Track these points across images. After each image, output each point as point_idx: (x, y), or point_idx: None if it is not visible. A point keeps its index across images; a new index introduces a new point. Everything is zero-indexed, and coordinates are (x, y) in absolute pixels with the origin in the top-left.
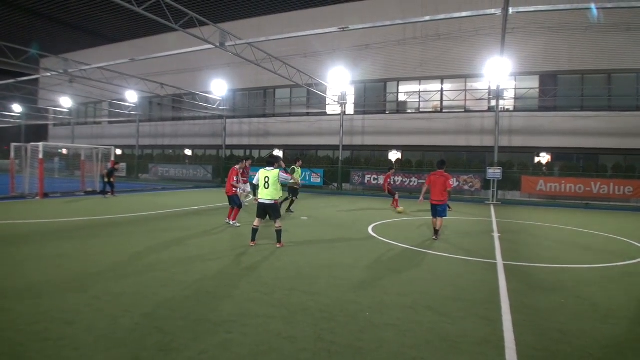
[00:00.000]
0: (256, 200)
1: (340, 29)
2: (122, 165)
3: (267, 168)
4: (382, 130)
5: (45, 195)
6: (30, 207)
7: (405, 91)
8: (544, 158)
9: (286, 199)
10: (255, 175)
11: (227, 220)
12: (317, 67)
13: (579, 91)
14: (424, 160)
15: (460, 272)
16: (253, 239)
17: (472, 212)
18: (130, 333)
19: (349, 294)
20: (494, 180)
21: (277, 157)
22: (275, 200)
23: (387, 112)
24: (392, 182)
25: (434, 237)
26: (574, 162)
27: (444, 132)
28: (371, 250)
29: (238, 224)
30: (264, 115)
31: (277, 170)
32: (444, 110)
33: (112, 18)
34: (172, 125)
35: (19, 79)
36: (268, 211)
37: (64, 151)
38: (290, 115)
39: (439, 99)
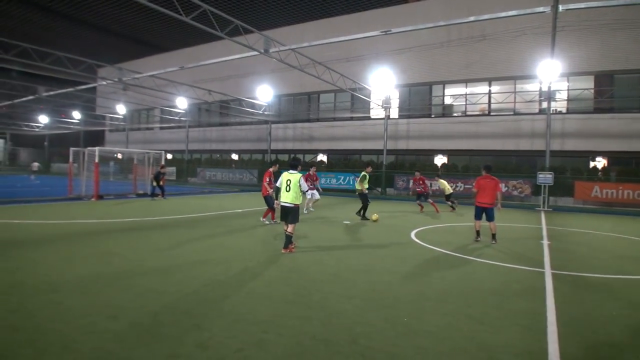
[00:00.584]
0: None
1: (382, 32)
2: (172, 169)
3: (291, 171)
4: (427, 134)
5: (100, 197)
6: (86, 208)
7: (452, 94)
8: (600, 163)
9: (362, 207)
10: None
11: (262, 220)
12: (360, 71)
13: (637, 91)
14: (470, 165)
15: (505, 280)
16: (290, 244)
17: (521, 218)
18: (170, 329)
19: (388, 299)
20: (544, 186)
21: (299, 160)
22: (296, 204)
23: (433, 116)
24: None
25: (493, 242)
26: (632, 166)
27: (492, 136)
28: (412, 256)
29: (267, 222)
30: (308, 120)
31: (299, 175)
32: (491, 113)
33: (162, 28)
34: (219, 130)
35: (78, 88)
36: (288, 214)
37: (119, 155)
38: (334, 119)
39: (487, 101)
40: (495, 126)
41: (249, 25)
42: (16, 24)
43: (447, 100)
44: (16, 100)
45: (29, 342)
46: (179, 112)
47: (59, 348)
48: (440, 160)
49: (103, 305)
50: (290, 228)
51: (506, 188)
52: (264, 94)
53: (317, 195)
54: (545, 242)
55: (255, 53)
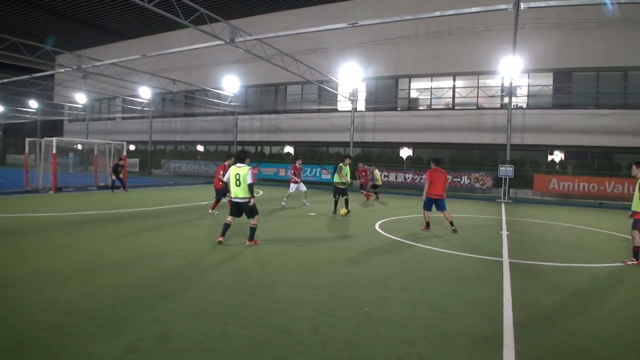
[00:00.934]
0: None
1: (349, 24)
2: (134, 160)
3: (238, 165)
4: (393, 127)
5: (59, 190)
6: (43, 200)
7: (417, 88)
8: (557, 156)
9: (335, 200)
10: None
11: (211, 212)
12: (328, 63)
13: (593, 88)
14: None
15: (465, 269)
16: (223, 234)
17: (483, 210)
18: (129, 323)
19: (351, 289)
20: (505, 178)
21: (248, 153)
22: (248, 198)
23: (399, 109)
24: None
25: (454, 228)
26: (587, 160)
27: (456, 129)
28: (376, 247)
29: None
30: (275, 112)
31: (247, 167)
32: (455, 107)
33: (124, 15)
34: (184, 121)
35: (34, 75)
36: (242, 210)
37: (79, 146)
38: (302, 111)
39: (451, 95)
40: (458, 120)
41: (215, 13)
42: None
43: (413, 94)
44: None
45: None
46: (142, 102)
47: (13, 344)
48: (405, 152)
49: (59, 301)
50: (254, 220)
51: (469, 180)
52: (230, 84)
53: (303, 188)
54: (505, 232)
55: (221, 42)
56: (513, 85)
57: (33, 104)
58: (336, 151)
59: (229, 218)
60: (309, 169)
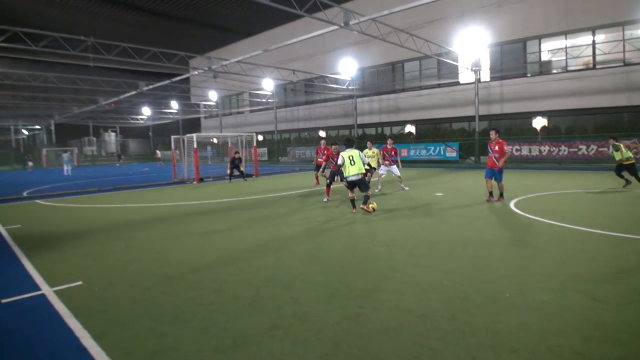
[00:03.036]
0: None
1: None
2: (263, 150)
3: (348, 149)
4: (524, 96)
5: (201, 180)
6: (189, 190)
7: (549, 49)
8: None
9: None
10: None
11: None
12: (446, 34)
13: None
14: (575, 126)
15: (621, 253)
16: (354, 206)
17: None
18: (270, 302)
19: (488, 273)
20: None
21: (353, 139)
22: (362, 173)
23: (529, 75)
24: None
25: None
26: None
27: (599, 92)
28: (513, 227)
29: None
30: (394, 91)
31: (357, 150)
32: (597, 67)
33: (243, 13)
34: (305, 109)
35: (173, 80)
36: (357, 184)
37: (214, 140)
38: (421, 88)
39: (591, 53)
40: (602, 80)
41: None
42: (113, 25)
43: (545, 56)
44: (121, 96)
45: (146, 313)
46: (266, 95)
47: (171, 318)
48: (539, 122)
49: (209, 280)
50: (368, 191)
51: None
52: (347, 68)
53: (396, 172)
54: None
55: (336, 27)
56: None
57: (174, 105)
58: (460, 127)
59: (350, 193)
60: (432, 147)
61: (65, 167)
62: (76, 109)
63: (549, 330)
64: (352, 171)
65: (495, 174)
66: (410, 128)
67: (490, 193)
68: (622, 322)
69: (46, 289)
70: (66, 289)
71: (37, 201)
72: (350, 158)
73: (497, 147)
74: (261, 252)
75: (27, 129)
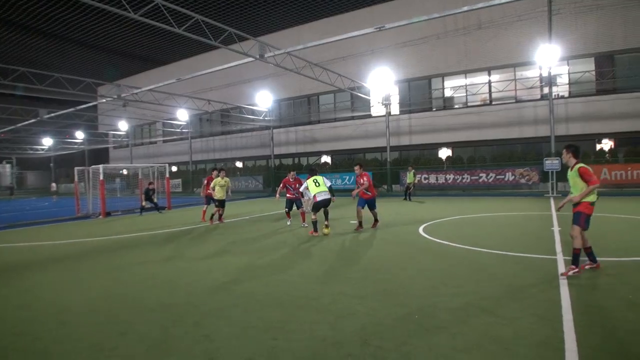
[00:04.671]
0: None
1: (376, 28)
2: (177, 181)
3: (312, 176)
4: (430, 128)
5: (108, 214)
6: (92, 226)
7: (451, 86)
8: (607, 145)
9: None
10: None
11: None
12: (358, 69)
13: (639, 70)
14: (476, 156)
15: (517, 270)
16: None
17: (530, 206)
18: (179, 342)
19: (399, 297)
20: (552, 172)
21: (315, 167)
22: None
23: (434, 109)
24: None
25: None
26: None
27: (495, 125)
28: (421, 250)
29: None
30: (310, 123)
31: (320, 176)
32: (493, 103)
33: (157, 42)
34: (221, 139)
35: (79, 107)
36: (325, 205)
37: (124, 171)
38: (336, 120)
39: (487, 91)
40: (497, 115)
41: (243, 32)
42: (11, 48)
43: (448, 93)
44: (19, 125)
45: None
46: (181, 124)
47: None
48: (444, 153)
49: (112, 322)
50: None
51: (513, 177)
52: (264, 99)
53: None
54: (556, 228)
55: (251, 59)
56: (552, 74)
57: (79, 134)
58: (373, 157)
59: (314, 215)
60: (347, 176)
61: None
62: None
63: (455, 347)
64: (320, 190)
65: (368, 203)
66: (326, 158)
67: (360, 223)
68: (519, 334)
69: None
70: None
71: None
72: (315, 181)
73: (364, 179)
74: (171, 287)
75: None
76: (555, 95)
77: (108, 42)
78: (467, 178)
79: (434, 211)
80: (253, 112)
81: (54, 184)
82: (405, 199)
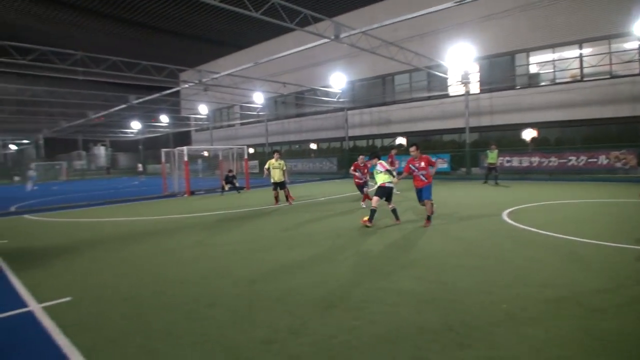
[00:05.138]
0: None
1: (456, 2)
2: (254, 162)
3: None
4: (513, 108)
5: (192, 193)
6: (179, 203)
7: (537, 62)
8: None
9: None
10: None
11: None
12: (435, 47)
13: None
14: (564, 138)
15: (616, 262)
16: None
17: (627, 193)
18: (264, 315)
19: (483, 285)
20: None
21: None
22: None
23: (518, 87)
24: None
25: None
26: None
27: (587, 104)
28: (506, 237)
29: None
30: (384, 104)
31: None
32: (584, 79)
33: (235, 27)
34: (296, 121)
35: (163, 93)
36: (388, 194)
37: (205, 153)
38: (411, 100)
39: (578, 66)
40: (589, 92)
41: (318, 13)
42: (103, 39)
43: (533, 69)
44: (111, 110)
45: (137, 329)
46: (257, 107)
47: (164, 334)
48: (529, 134)
49: (202, 294)
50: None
51: (607, 160)
52: (338, 81)
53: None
54: None
55: (326, 40)
56: None
57: (164, 118)
58: (450, 138)
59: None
60: None
61: (29, 184)
62: (65, 123)
63: (549, 341)
64: (387, 179)
65: (422, 192)
66: (401, 140)
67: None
68: (619, 331)
69: (34, 306)
70: (55, 305)
71: (26, 216)
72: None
73: (423, 164)
74: (253, 263)
75: (15, 144)
76: None
77: (188, 29)
78: (555, 161)
79: (518, 196)
80: (327, 94)
81: (140, 165)
82: (486, 182)
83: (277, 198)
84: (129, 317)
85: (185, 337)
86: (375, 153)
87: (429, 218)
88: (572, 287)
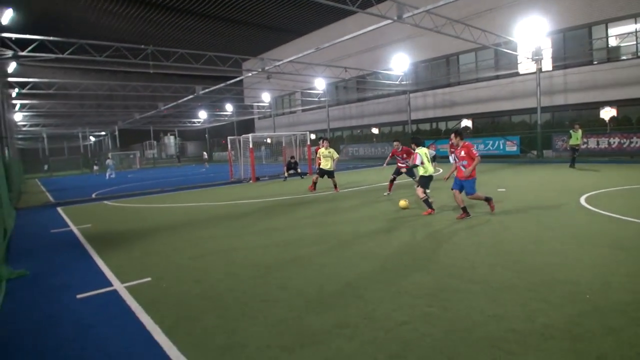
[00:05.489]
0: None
1: None
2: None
3: (421, 147)
4: (590, 85)
5: (257, 179)
6: (245, 189)
7: (618, 34)
8: None
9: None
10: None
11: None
12: (503, 23)
13: None
14: None
15: None
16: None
17: None
18: (336, 299)
19: (563, 272)
20: None
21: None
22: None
23: (595, 63)
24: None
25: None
26: None
27: None
28: (586, 224)
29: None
30: (449, 85)
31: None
32: None
33: (294, 13)
34: (357, 106)
35: (228, 82)
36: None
37: (268, 140)
38: (478, 80)
39: None
40: None
41: None
42: (169, 31)
43: (612, 42)
44: (179, 101)
45: (213, 309)
46: (318, 93)
47: (239, 314)
48: (608, 113)
49: (272, 276)
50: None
51: None
52: (400, 63)
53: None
54: None
55: (388, 21)
56: None
57: (229, 107)
58: (521, 120)
59: (423, 194)
60: (490, 142)
61: (108, 172)
62: (137, 115)
63: (639, 334)
64: (431, 168)
65: (463, 185)
66: (466, 122)
67: (463, 209)
68: None
69: (117, 285)
70: (136, 285)
71: (105, 202)
72: (427, 155)
73: (463, 153)
74: (322, 249)
75: (93, 135)
76: None
77: (251, 17)
78: (637, 142)
79: (596, 180)
80: (389, 77)
81: (205, 153)
82: (572, 165)
83: (315, 184)
84: (205, 297)
85: (259, 317)
86: (418, 139)
87: (465, 210)
88: None
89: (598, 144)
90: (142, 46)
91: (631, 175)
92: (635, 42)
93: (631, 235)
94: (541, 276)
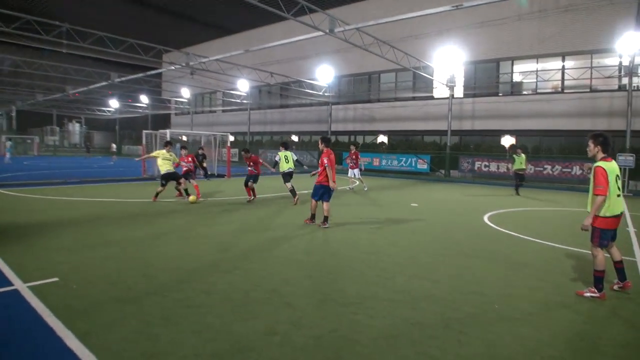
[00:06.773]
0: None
1: (453, 7)
2: (234, 150)
3: (284, 150)
4: (494, 114)
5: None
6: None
7: (521, 71)
8: None
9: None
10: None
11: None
12: (424, 48)
13: None
14: (541, 146)
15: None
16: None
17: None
18: (262, 306)
19: (473, 285)
20: (625, 169)
21: (287, 142)
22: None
23: (500, 94)
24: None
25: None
26: None
27: (566, 115)
28: (490, 241)
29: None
30: (369, 101)
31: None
32: (565, 91)
33: (227, 9)
34: (279, 112)
35: (147, 73)
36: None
37: (184, 137)
38: (396, 100)
39: (560, 77)
40: (569, 104)
41: (314, 4)
42: (91, 11)
43: (516, 78)
44: (91, 86)
45: (133, 314)
46: (241, 95)
47: (161, 320)
48: (507, 141)
49: (195, 281)
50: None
51: (581, 171)
52: (325, 74)
53: (357, 174)
54: (632, 229)
55: (319, 33)
56: (634, 63)
57: (144, 99)
58: (432, 140)
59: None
60: (404, 159)
61: (6, 155)
62: (41, 96)
63: (542, 341)
64: (285, 166)
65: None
66: (383, 138)
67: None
68: (604, 335)
69: (19, 285)
70: (41, 285)
71: (0, 190)
72: (286, 158)
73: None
74: (245, 254)
75: None
76: (635, 87)
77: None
78: (531, 169)
79: (495, 201)
80: (313, 87)
81: (113, 145)
82: (517, 192)
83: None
84: (122, 301)
85: (184, 324)
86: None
87: (325, 219)
88: (556, 289)
89: (498, 168)
90: (57, 22)
91: (524, 199)
92: (535, 80)
93: (528, 252)
94: (454, 286)
